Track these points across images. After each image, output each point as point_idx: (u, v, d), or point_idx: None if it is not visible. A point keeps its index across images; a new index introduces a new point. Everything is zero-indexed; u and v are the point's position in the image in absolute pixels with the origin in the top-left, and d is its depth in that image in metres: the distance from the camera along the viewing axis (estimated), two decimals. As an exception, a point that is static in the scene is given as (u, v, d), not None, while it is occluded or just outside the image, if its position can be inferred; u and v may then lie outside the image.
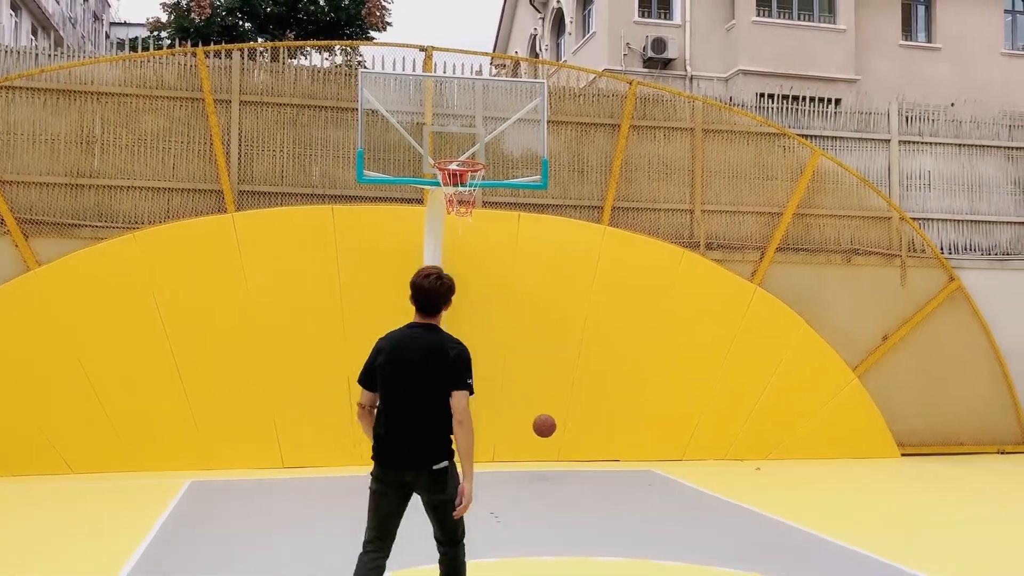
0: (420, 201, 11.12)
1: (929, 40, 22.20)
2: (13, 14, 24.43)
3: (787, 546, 7.20)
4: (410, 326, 4.84)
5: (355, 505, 8.43)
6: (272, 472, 10.11)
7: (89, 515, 7.97)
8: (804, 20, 20.71)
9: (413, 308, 4.92)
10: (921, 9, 22.42)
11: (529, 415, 10.93)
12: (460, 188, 9.91)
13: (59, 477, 9.67)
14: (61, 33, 28.00)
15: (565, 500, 8.85)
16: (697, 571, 6.35)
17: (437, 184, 10.02)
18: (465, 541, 4.74)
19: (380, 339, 4.83)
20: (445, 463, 4.48)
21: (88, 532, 7.33)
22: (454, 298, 4.95)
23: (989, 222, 13.39)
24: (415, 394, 4.51)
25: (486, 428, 10.83)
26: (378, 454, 4.56)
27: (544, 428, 9.27)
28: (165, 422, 10.11)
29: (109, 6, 39.60)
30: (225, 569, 6.29)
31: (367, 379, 4.70)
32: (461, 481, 4.47)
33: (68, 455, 9.88)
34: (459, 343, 4.69)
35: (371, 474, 4.60)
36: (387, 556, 4.62)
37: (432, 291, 4.83)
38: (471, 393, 4.51)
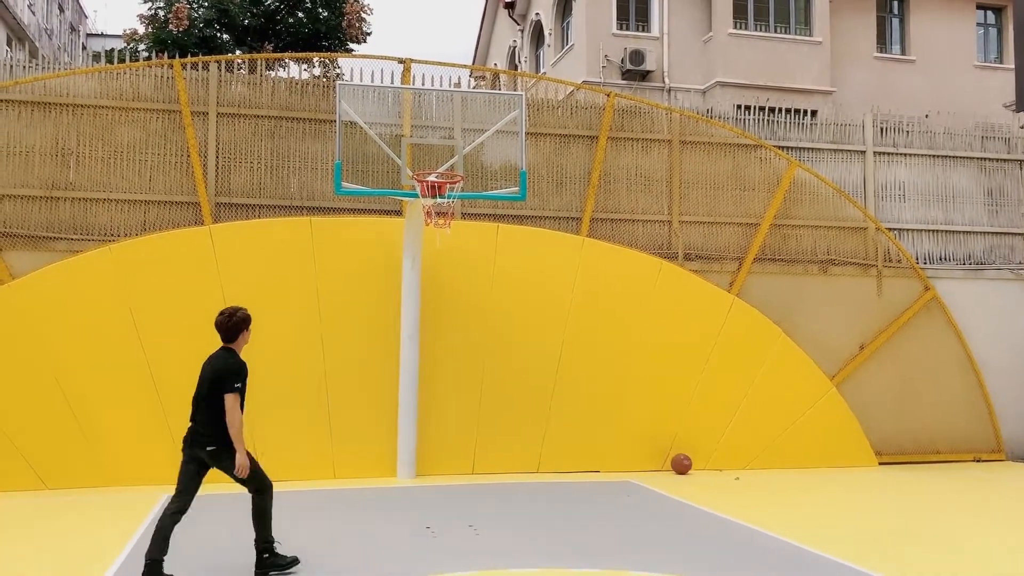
0: (399, 213, 11.12)
1: (903, 52, 22.48)
2: (-12, 25, 24.26)
3: (766, 556, 7.22)
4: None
5: (331, 517, 8.41)
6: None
7: (64, 531, 7.87)
8: (780, 32, 20.91)
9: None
10: (896, 22, 22.70)
11: (509, 426, 10.98)
12: (439, 200, 9.93)
13: (33, 493, 9.55)
14: (37, 44, 27.81)
15: (543, 511, 8.84)
16: (676, 582, 6.35)
17: (416, 196, 10.04)
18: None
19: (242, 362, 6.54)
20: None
21: (63, 548, 7.23)
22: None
23: (964, 232, 13.53)
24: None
25: (466, 440, 10.88)
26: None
27: (680, 467, 10.98)
28: (141, 436, 10.02)
29: (86, 17, 39.38)
30: (201, 585, 6.23)
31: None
32: None
33: (42, 471, 9.76)
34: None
35: None
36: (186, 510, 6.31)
37: (219, 326, 6.62)
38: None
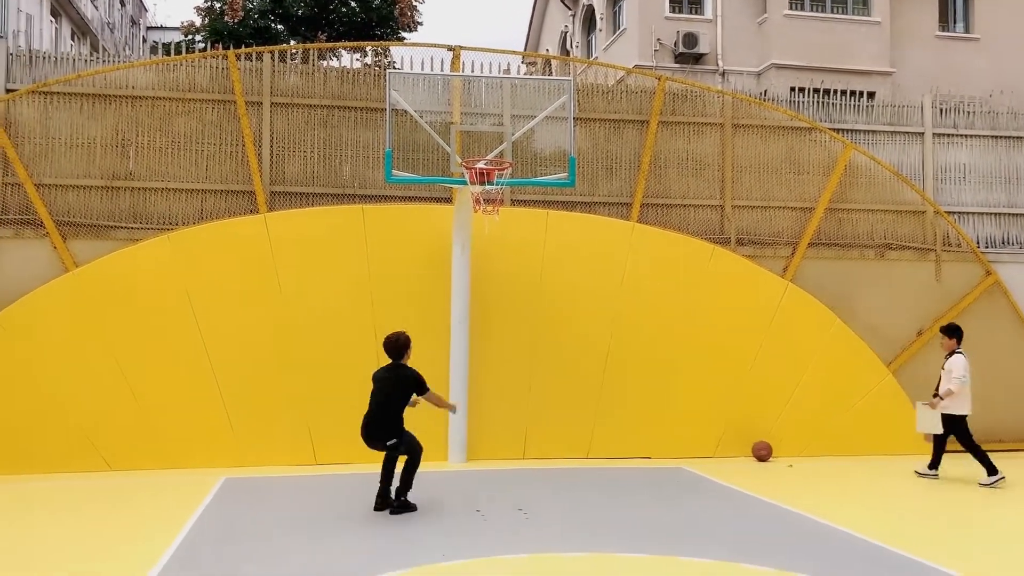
0: (449, 200, 11.18)
1: (967, 31, 21.87)
2: (53, 20, 24.89)
3: (817, 544, 7.15)
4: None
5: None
6: (305, 469, 10.24)
7: (126, 511, 8.13)
8: (837, 13, 20.51)
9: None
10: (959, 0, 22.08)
11: (559, 412, 11.01)
12: (487, 186, 9.96)
13: (99, 474, 9.87)
14: (99, 38, 28.47)
15: (593, 497, 8.85)
16: (724, 568, 6.33)
17: (465, 183, 10.08)
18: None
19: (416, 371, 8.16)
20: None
21: (124, 528, 7.48)
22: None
23: (1027, 215, 13.15)
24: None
25: (516, 425, 10.94)
26: None
27: (762, 452, 11.03)
28: (200, 420, 10.28)
29: (146, 11, 40.18)
30: (256, 564, 6.39)
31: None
32: None
33: (106, 453, 10.08)
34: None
35: None
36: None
37: (389, 348, 8.14)
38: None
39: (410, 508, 7.95)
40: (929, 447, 10.39)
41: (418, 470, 8.01)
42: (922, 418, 10.19)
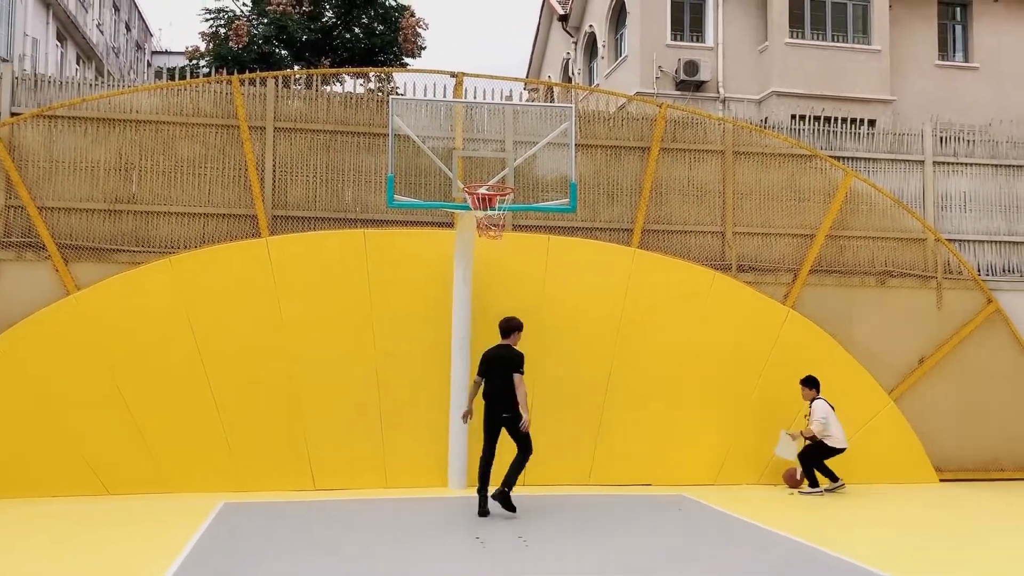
0: (451, 225, 11.21)
1: (967, 59, 22.02)
2: (59, 44, 25.08)
3: (818, 572, 7.09)
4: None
5: (383, 527, 8.49)
6: (304, 494, 10.19)
7: (124, 536, 8.08)
8: (838, 41, 20.66)
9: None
10: (959, 28, 22.25)
11: (560, 437, 10.97)
12: (490, 212, 9.99)
13: (96, 498, 9.82)
14: (104, 63, 28.67)
15: (593, 524, 8.80)
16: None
17: (467, 208, 10.11)
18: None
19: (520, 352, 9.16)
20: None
21: (122, 553, 7.43)
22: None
23: (1028, 243, 13.18)
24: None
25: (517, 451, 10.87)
26: None
27: (793, 481, 11.14)
28: (199, 444, 10.24)
29: (151, 36, 40.50)
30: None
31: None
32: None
33: (105, 477, 10.04)
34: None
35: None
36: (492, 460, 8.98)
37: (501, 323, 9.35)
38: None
39: (512, 507, 8.83)
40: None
41: (485, 484, 8.87)
42: (783, 444, 11.07)
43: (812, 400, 11.06)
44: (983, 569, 7.36)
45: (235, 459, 10.33)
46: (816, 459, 10.94)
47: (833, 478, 10.93)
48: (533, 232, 11.55)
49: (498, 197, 9.97)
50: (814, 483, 10.90)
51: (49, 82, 11.09)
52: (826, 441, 10.84)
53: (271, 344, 10.57)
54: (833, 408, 10.95)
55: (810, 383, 11.17)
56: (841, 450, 10.88)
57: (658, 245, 12.02)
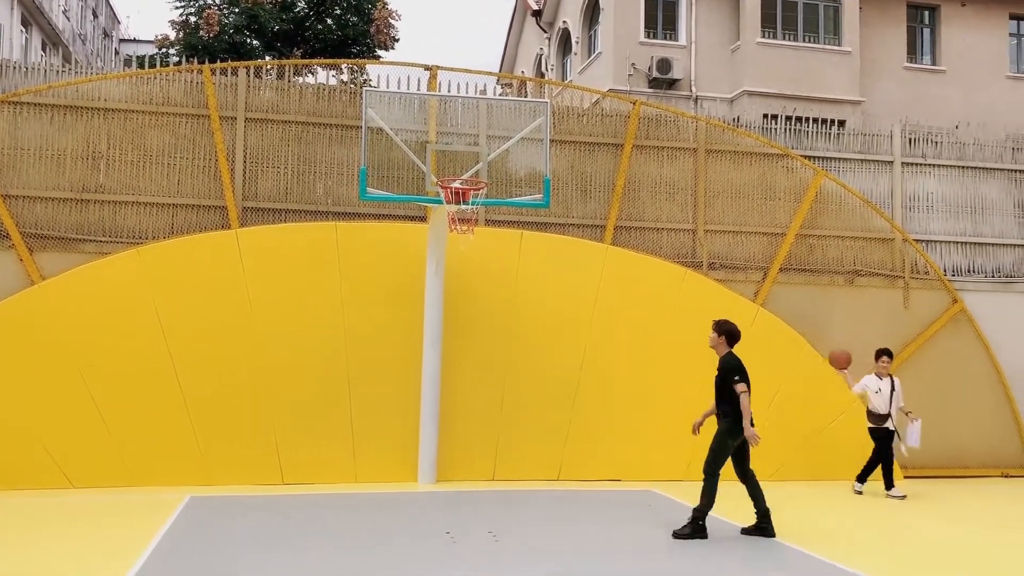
0: (423, 219, 11.16)
1: (934, 62, 22.28)
2: (24, 30, 24.65)
3: (783, 568, 7.16)
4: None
5: (352, 521, 8.45)
6: (272, 488, 10.11)
7: (88, 529, 7.97)
8: (809, 42, 20.81)
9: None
10: (926, 32, 22.51)
11: (530, 433, 10.98)
12: (463, 206, 9.96)
13: (60, 492, 9.67)
14: (71, 49, 28.22)
15: (562, 519, 8.82)
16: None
17: (440, 202, 10.07)
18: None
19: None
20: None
21: (86, 547, 7.32)
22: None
23: (993, 244, 13.39)
24: None
25: (487, 446, 10.89)
26: None
27: (840, 360, 11.13)
28: (166, 437, 10.12)
29: (119, 23, 39.92)
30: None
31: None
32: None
33: (69, 470, 9.88)
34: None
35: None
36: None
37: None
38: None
39: (700, 533, 8.12)
40: (897, 473, 10.54)
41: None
42: (912, 433, 11.16)
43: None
44: (943, 560, 7.47)
45: (203, 452, 10.22)
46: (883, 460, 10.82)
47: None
48: (506, 227, 11.53)
49: (472, 191, 9.95)
50: (890, 483, 10.80)
51: (14, 68, 10.89)
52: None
53: (240, 337, 10.46)
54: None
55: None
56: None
57: (630, 242, 12.05)
